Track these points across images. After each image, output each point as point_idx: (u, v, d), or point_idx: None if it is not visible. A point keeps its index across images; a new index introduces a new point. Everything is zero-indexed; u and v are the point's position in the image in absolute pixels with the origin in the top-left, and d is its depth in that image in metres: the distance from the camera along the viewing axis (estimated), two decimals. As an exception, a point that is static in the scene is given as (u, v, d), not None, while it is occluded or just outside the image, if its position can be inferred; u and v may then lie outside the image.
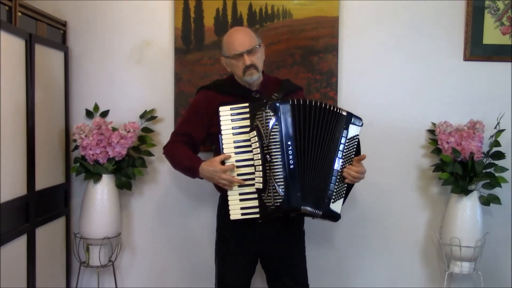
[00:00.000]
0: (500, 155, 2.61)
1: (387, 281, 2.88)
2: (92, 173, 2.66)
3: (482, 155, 2.64)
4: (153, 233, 2.90)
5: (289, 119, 2.06)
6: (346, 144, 2.13)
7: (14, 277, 2.26)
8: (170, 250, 2.90)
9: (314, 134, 2.09)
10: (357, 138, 2.16)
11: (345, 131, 2.12)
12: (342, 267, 2.88)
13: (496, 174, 2.62)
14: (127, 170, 2.71)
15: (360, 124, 2.16)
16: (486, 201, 2.65)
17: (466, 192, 2.62)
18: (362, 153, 2.19)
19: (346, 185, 2.16)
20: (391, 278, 2.88)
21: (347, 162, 2.14)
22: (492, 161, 2.63)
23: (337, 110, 2.12)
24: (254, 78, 2.20)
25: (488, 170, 2.62)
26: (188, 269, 2.89)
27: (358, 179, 2.15)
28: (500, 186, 2.63)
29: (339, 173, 2.12)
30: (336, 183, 2.11)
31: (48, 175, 2.59)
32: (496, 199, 2.66)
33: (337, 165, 2.12)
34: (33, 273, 2.40)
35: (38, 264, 2.45)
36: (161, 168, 2.85)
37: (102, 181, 2.66)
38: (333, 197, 2.11)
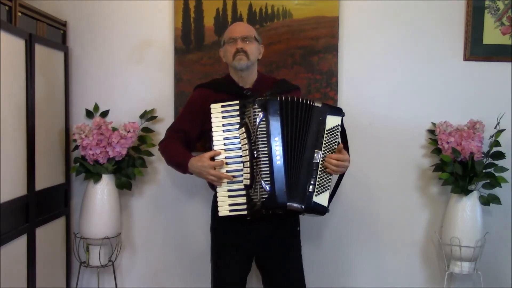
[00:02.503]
0: (500, 155, 2.61)
1: (387, 281, 2.87)
2: (92, 173, 2.66)
3: (482, 155, 2.64)
4: (153, 233, 2.89)
5: (276, 116, 2.06)
6: (326, 135, 2.12)
7: (14, 277, 2.26)
8: (170, 250, 2.89)
9: (297, 129, 2.10)
10: (337, 128, 2.14)
11: (323, 123, 2.11)
12: (341, 267, 2.88)
13: (496, 174, 2.62)
14: (127, 170, 2.71)
15: (339, 115, 2.15)
16: (486, 201, 2.65)
17: (466, 192, 2.62)
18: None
19: (330, 177, 2.14)
20: (391, 278, 2.87)
21: (330, 153, 2.13)
22: (492, 161, 2.63)
23: (310, 102, 2.12)
24: (242, 65, 2.23)
25: (488, 170, 2.62)
26: (188, 269, 2.89)
27: (341, 167, 2.12)
28: (500, 186, 2.63)
29: (320, 165, 2.10)
30: (319, 176, 2.10)
31: (48, 175, 2.59)
32: (496, 199, 2.66)
33: (318, 157, 2.10)
34: (33, 273, 2.40)
35: (38, 264, 2.45)
36: (161, 168, 2.85)
37: (102, 181, 2.66)
38: (316, 189, 2.09)
